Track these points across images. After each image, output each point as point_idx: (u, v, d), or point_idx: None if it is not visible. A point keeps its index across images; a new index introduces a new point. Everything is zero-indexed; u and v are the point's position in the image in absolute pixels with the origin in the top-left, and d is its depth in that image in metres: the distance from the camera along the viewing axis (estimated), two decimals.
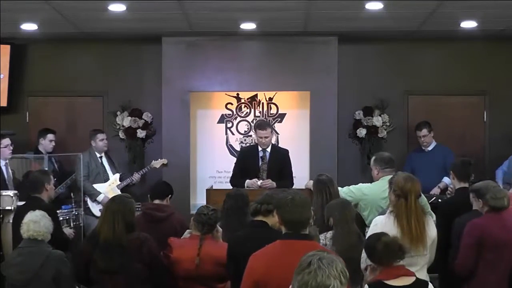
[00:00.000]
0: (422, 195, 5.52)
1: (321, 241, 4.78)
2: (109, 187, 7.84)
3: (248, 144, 8.57)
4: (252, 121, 8.80)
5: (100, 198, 7.70)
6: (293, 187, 6.88)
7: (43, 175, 6.00)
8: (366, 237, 4.62)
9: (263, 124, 7.13)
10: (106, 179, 7.89)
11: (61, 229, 5.96)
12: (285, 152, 7.18)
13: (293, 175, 7.12)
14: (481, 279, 4.73)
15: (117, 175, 7.97)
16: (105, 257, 4.52)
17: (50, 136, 8.14)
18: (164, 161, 8.29)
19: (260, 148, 7.04)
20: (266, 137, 6.98)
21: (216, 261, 4.60)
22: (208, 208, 4.81)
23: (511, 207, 5.17)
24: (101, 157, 7.96)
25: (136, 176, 8.05)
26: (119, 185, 7.92)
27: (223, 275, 4.62)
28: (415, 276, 3.81)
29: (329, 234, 4.86)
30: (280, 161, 7.04)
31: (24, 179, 7.34)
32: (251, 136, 8.73)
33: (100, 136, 7.97)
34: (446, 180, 7.66)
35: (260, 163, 6.99)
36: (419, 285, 3.76)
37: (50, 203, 5.90)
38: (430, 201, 6.09)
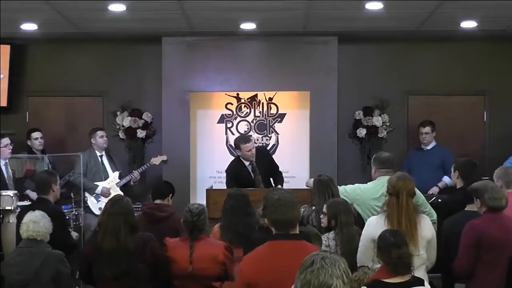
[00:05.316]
0: (422, 195, 5.53)
1: (324, 242, 4.77)
2: (108, 186, 7.84)
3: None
4: (252, 121, 8.80)
5: (98, 190, 7.75)
6: (293, 187, 6.88)
7: (49, 175, 5.79)
8: (361, 237, 4.59)
9: (246, 137, 7.16)
10: (106, 177, 7.90)
11: (69, 233, 5.85)
12: (263, 149, 7.17)
13: (283, 171, 7.15)
14: (480, 279, 4.70)
15: (117, 173, 7.97)
16: (110, 265, 4.47)
17: (36, 134, 8.09)
18: (164, 157, 8.28)
19: (245, 162, 6.97)
20: (253, 148, 6.95)
21: (211, 258, 4.59)
22: (193, 214, 4.62)
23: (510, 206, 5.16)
24: (101, 156, 7.96)
25: (135, 174, 8.04)
26: (118, 183, 7.92)
27: (219, 273, 4.61)
28: (411, 273, 3.80)
29: (331, 234, 4.85)
30: (265, 162, 7.04)
31: (24, 179, 7.33)
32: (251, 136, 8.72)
33: (100, 133, 7.97)
34: (446, 179, 7.65)
35: (253, 176, 6.94)
36: (414, 282, 3.76)
37: (58, 207, 5.74)
38: (430, 201, 6.07)
